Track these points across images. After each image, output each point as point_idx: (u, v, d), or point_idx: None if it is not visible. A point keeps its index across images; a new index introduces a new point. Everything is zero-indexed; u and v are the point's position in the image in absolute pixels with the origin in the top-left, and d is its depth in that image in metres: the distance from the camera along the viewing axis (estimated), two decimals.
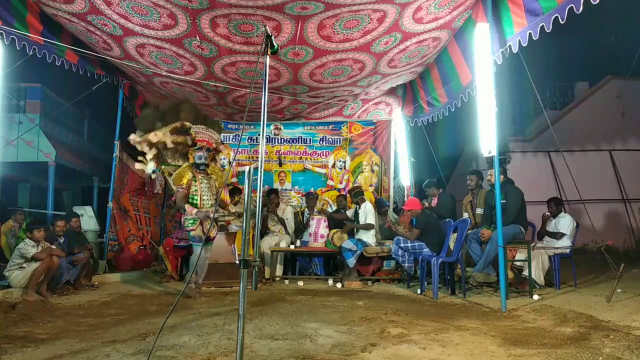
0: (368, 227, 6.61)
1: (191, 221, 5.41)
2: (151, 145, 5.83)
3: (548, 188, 10.19)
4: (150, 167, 6.01)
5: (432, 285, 5.39)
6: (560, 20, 4.20)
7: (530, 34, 4.54)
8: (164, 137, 5.73)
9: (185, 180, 5.46)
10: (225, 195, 6.61)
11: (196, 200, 5.49)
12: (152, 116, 6.00)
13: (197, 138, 5.67)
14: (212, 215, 5.30)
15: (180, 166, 5.77)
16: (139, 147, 5.90)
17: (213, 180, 5.72)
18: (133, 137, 5.93)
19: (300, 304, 4.88)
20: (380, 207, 7.64)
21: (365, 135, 8.58)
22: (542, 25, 4.40)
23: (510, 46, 4.86)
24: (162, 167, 6.02)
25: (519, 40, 4.71)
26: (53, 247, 5.40)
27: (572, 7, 4.05)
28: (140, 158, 6.04)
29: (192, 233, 5.42)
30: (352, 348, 3.10)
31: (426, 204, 6.81)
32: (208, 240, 5.52)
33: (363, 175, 8.43)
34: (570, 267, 5.89)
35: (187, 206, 5.38)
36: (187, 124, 5.77)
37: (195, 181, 5.51)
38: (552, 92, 13.52)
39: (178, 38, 5.56)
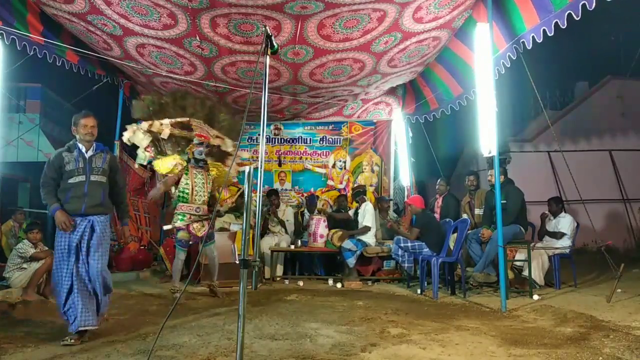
0: (365, 231, 6.58)
1: (180, 217, 5.24)
2: (151, 132, 5.70)
3: (548, 188, 10.17)
4: (142, 157, 5.96)
5: (432, 285, 5.39)
6: (574, 16, 4.18)
7: (544, 30, 4.50)
8: (165, 128, 5.63)
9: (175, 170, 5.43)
10: (224, 195, 6.52)
11: (187, 194, 5.30)
12: (152, 106, 5.89)
13: (195, 132, 5.59)
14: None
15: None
16: (139, 134, 5.73)
17: (211, 178, 5.50)
18: (139, 126, 5.78)
19: (300, 304, 4.88)
20: (381, 203, 7.59)
21: (365, 135, 8.57)
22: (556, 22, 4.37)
23: (523, 42, 4.84)
24: (158, 157, 5.88)
25: (533, 37, 4.69)
26: (53, 250, 5.39)
27: (584, 4, 4.03)
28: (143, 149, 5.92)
29: (179, 235, 5.23)
30: (352, 348, 3.10)
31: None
32: (208, 239, 5.36)
33: (363, 175, 8.41)
34: (570, 267, 5.89)
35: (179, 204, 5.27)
36: (196, 121, 5.71)
37: (187, 175, 5.33)
38: (552, 92, 13.52)
39: (178, 38, 5.56)
